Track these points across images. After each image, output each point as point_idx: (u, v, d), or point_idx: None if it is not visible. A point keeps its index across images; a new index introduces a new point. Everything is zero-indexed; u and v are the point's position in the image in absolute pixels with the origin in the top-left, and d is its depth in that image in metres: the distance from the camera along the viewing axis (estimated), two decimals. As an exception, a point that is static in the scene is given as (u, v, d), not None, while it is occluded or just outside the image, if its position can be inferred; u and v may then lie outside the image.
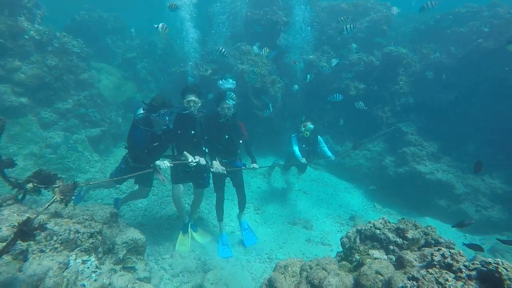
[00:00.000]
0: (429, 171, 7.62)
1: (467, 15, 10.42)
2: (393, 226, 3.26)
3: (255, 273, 5.29)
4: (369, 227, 3.40)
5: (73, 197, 3.25)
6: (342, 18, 6.90)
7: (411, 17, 13.14)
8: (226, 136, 5.34)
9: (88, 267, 3.29)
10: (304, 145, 6.91)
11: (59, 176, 3.46)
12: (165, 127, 4.62)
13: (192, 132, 4.96)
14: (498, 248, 6.57)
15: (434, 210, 7.48)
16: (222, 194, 5.68)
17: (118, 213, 4.63)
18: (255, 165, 5.47)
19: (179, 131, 4.91)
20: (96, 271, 3.36)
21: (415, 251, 2.99)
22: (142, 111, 4.68)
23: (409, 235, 3.07)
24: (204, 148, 5.17)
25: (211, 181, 5.57)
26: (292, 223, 6.81)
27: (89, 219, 3.60)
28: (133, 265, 4.38)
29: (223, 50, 6.64)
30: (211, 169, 4.99)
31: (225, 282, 4.88)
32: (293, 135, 6.97)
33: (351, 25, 6.78)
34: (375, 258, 2.93)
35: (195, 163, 4.65)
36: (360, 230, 3.49)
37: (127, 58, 12.21)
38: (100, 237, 3.59)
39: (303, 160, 6.58)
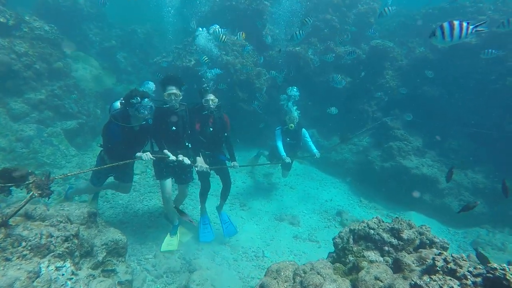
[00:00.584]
0: (415, 166, 7.66)
1: (452, 10, 10.50)
2: (388, 226, 3.16)
3: (242, 272, 5.13)
4: (362, 227, 3.29)
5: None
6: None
7: (392, 14, 13.14)
8: (211, 129, 5.15)
9: (63, 274, 3.02)
10: (288, 139, 6.62)
11: (30, 171, 3.14)
12: (144, 122, 4.32)
13: (173, 128, 4.67)
14: (479, 241, 6.71)
15: (418, 205, 7.54)
16: (207, 183, 5.52)
17: (96, 213, 4.33)
18: (235, 163, 5.21)
19: (159, 126, 4.64)
20: (72, 278, 3.09)
21: (411, 252, 2.90)
22: (119, 105, 4.37)
23: (404, 235, 2.97)
24: (186, 144, 4.91)
25: (195, 175, 5.34)
26: (279, 219, 6.69)
27: (63, 221, 3.30)
28: (113, 268, 4.12)
29: (223, 36, 6.30)
30: (195, 167, 4.76)
31: (211, 282, 4.71)
32: (277, 128, 6.68)
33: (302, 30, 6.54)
34: (371, 261, 2.82)
35: (177, 162, 4.44)
36: (353, 230, 3.37)
37: (105, 47, 11.59)
38: (76, 240, 3.30)
39: (287, 160, 6.27)
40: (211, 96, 4.90)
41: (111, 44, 11.93)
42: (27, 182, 3.02)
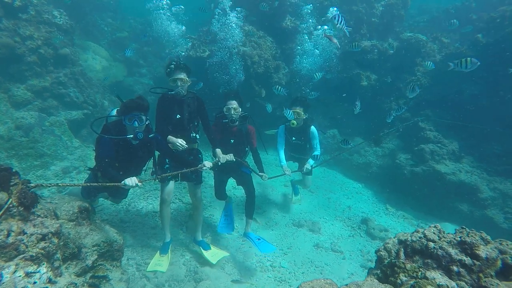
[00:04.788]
0: (451, 172, 6.81)
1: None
2: (454, 239, 2.40)
3: (256, 284, 4.43)
4: (417, 238, 2.54)
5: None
6: None
7: (424, 8, 12.35)
8: (232, 141, 4.54)
9: (35, 282, 2.38)
10: (293, 138, 5.38)
11: (14, 170, 2.54)
12: (131, 136, 3.49)
13: (178, 116, 4.14)
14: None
15: (454, 215, 6.69)
16: (249, 189, 4.85)
17: (89, 208, 3.69)
18: (264, 175, 4.69)
19: (163, 115, 4.14)
20: (47, 287, 2.45)
21: (491, 276, 2.14)
22: (115, 113, 3.74)
23: (481, 252, 2.21)
24: (193, 135, 4.32)
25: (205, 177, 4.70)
26: (297, 225, 5.96)
27: (42, 215, 2.67)
28: (105, 274, 3.48)
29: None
30: (218, 162, 4.18)
31: (220, 296, 4.02)
32: (281, 126, 5.42)
33: None
34: (439, 286, 2.07)
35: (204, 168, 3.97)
36: (404, 241, 2.62)
37: (117, 38, 11.14)
38: (56, 240, 2.66)
39: (287, 172, 4.94)
40: (233, 104, 4.31)
41: (123, 35, 11.48)
42: (10, 183, 2.44)
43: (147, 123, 3.60)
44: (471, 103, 7.58)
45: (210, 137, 4.38)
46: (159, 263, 4.31)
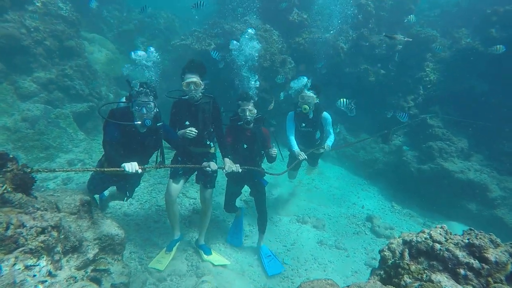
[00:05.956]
0: (459, 170, 6.67)
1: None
2: (462, 241, 2.32)
3: (258, 280, 4.41)
4: (423, 239, 2.47)
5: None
6: None
7: (433, 2, 12.05)
8: (245, 145, 4.31)
9: (34, 275, 2.36)
10: (303, 124, 5.11)
11: (11, 156, 2.52)
12: (138, 122, 3.41)
13: (186, 122, 3.97)
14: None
15: (462, 214, 6.56)
16: (261, 206, 4.70)
17: (91, 201, 3.68)
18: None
19: (175, 121, 4.01)
20: (46, 281, 2.43)
21: (502, 282, 2.06)
22: (124, 100, 3.63)
23: (490, 255, 2.13)
24: (208, 142, 4.17)
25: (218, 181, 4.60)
26: (302, 222, 5.90)
27: (42, 208, 2.65)
28: (107, 268, 3.47)
29: None
30: (223, 171, 3.92)
31: (223, 291, 4.00)
32: (290, 112, 5.18)
33: None
34: (445, 289, 2.00)
35: (207, 168, 3.80)
36: (409, 241, 2.55)
37: (123, 31, 11.09)
38: (55, 233, 2.64)
39: (301, 157, 4.73)
40: (249, 105, 4.09)
41: (130, 28, 11.43)
42: (4, 169, 2.41)
43: (155, 110, 3.53)
44: (482, 100, 7.39)
45: (222, 146, 4.13)
46: (161, 260, 4.29)
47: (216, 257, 4.49)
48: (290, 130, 5.08)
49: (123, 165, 2.97)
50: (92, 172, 4.06)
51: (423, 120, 7.56)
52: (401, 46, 8.84)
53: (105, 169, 3.05)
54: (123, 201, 5.01)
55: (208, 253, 4.49)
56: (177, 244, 4.46)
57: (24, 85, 6.86)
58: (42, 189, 4.67)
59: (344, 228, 5.98)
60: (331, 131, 5.13)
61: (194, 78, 3.78)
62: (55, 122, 6.84)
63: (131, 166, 2.97)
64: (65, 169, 2.56)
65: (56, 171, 2.58)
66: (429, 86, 8.22)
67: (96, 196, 4.33)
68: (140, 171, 3.02)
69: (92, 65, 8.64)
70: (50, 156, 6.48)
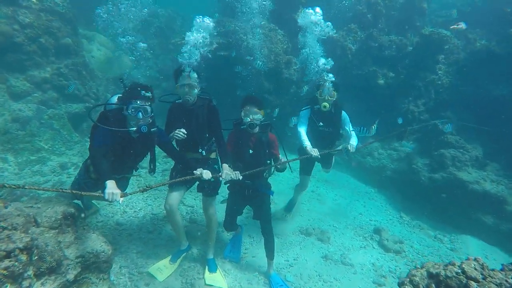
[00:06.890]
0: (474, 180, 6.26)
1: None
2: (506, 280, 1.95)
3: (258, 300, 4.04)
4: (454, 274, 2.10)
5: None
6: None
7: (445, 2, 11.64)
8: (250, 151, 3.88)
9: (-5, 309, 2.03)
10: (321, 123, 4.52)
11: None
12: (133, 129, 3.11)
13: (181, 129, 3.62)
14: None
15: (476, 228, 6.13)
16: (266, 227, 4.27)
17: (75, 214, 3.34)
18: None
19: (170, 127, 3.68)
20: (10, 314, 2.10)
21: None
22: (116, 100, 3.28)
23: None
24: (200, 150, 3.82)
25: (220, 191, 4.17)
26: (305, 233, 5.53)
27: (10, 227, 2.31)
28: (90, 288, 3.14)
29: None
30: (220, 178, 3.56)
31: (218, 314, 3.64)
32: (304, 108, 4.61)
33: None
34: None
35: (201, 177, 3.37)
36: (435, 274, 2.18)
37: (123, 29, 10.78)
38: (25, 256, 2.31)
39: (313, 153, 4.12)
40: (253, 108, 3.69)
41: (130, 27, 11.13)
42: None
43: (151, 115, 3.20)
44: (498, 105, 6.97)
45: (221, 151, 3.78)
46: (162, 269, 4.01)
47: (216, 277, 4.09)
48: (302, 125, 4.52)
49: (105, 192, 2.65)
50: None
51: (434, 125, 7.15)
52: (411, 48, 8.45)
53: (82, 193, 2.70)
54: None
55: (213, 270, 4.12)
56: (182, 255, 4.19)
57: (16, 84, 6.58)
58: (26, 198, 4.33)
59: (350, 241, 5.60)
60: (353, 130, 4.47)
61: (187, 80, 3.47)
62: (48, 123, 6.54)
63: (112, 196, 2.64)
64: (36, 187, 2.22)
65: (26, 188, 2.25)
66: (441, 90, 7.82)
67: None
68: (121, 201, 2.71)
69: (91, 64, 8.35)
70: (42, 159, 6.18)
